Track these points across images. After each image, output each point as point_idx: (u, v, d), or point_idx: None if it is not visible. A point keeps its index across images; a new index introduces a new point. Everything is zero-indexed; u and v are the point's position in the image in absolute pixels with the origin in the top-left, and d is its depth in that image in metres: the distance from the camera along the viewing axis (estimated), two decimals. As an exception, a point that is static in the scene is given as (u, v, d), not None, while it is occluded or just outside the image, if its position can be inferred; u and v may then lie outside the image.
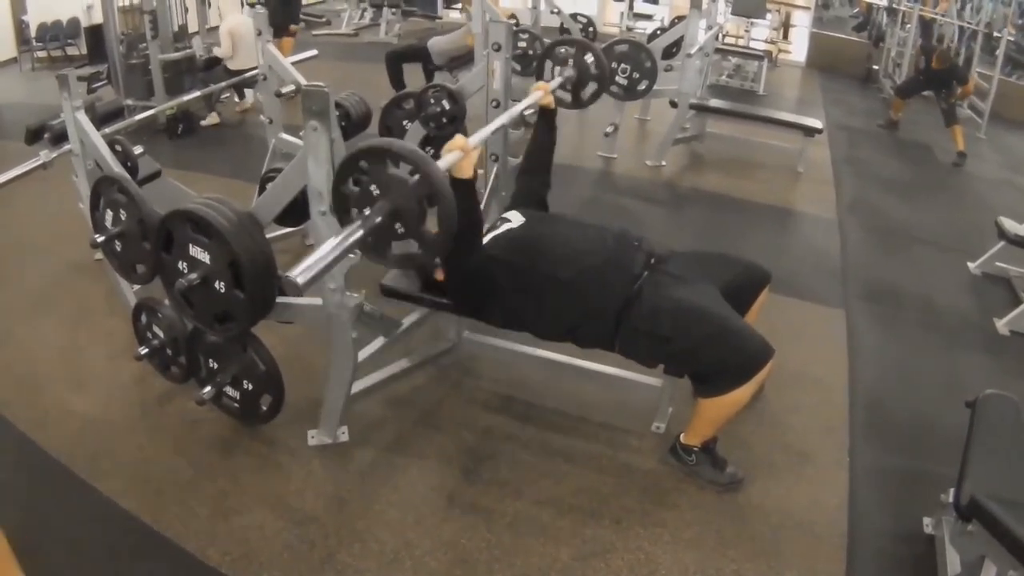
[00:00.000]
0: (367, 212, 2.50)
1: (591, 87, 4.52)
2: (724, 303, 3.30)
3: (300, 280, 2.25)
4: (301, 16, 11.46)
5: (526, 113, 3.93)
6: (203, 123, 8.82)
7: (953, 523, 2.87)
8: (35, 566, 2.98)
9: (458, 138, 2.93)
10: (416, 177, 2.43)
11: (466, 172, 2.97)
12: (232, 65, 8.59)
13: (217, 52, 8.75)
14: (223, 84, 7.83)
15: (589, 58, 4.46)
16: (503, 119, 3.59)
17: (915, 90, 10.40)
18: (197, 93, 7.02)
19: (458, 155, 2.89)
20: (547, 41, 7.75)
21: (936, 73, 9.80)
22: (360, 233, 2.44)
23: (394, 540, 3.12)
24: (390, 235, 2.53)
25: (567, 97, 4.47)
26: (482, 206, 4.29)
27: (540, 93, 3.92)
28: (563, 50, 4.51)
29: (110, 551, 3.08)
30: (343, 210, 2.62)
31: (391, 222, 2.49)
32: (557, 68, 4.50)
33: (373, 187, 2.50)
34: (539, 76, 4.54)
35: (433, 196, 2.45)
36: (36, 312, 4.78)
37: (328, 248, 2.36)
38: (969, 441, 3.03)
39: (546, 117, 4.02)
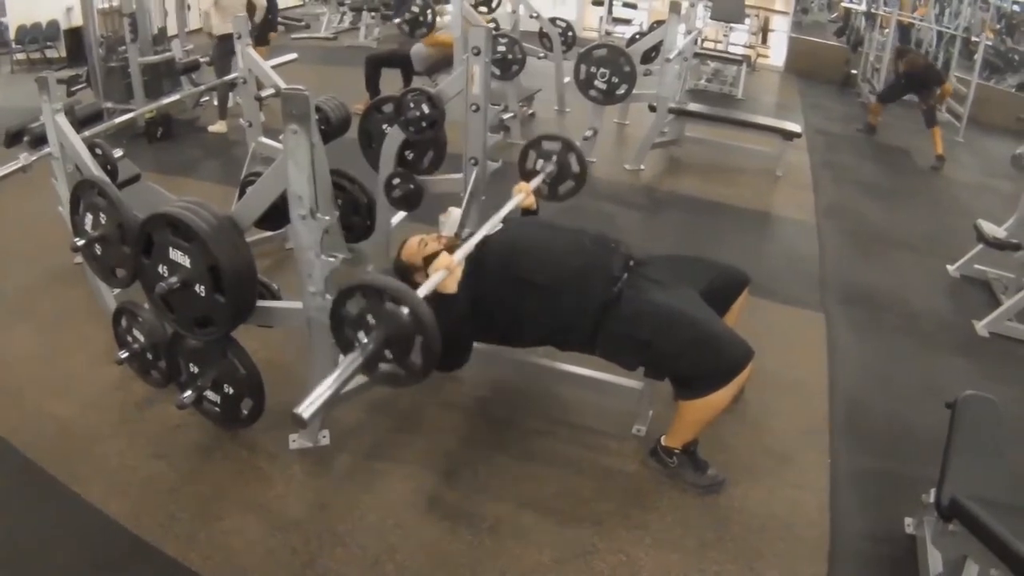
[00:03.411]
0: (364, 340, 2.61)
1: (568, 184, 4.53)
2: (704, 306, 3.32)
3: (305, 415, 2.34)
4: (280, 20, 11.42)
5: (503, 116, 3.93)
6: (211, 128, 8.81)
7: (935, 523, 2.88)
8: (14, 572, 2.97)
9: (443, 257, 3.08)
10: (407, 313, 2.53)
11: (451, 288, 3.09)
12: (217, 31, 8.54)
13: (214, 30, 8.69)
14: (203, 87, 7.82)
15: (571, 156, 4.46)
16: (485, 230, 3.57)
17: (897, 95, 10.47)
18: (176, 96, 7.01)
19: (444, 275, 3.03)
20: (527, 46, 7.82)
21: (912, 76, 9.87)
22: (359, 363, 2.57)
23: (376, 544, 3.11)
24: (380, 359, 2.64)
25: (544, 190, 4.47)
26: (461, 209, 4.30)
27: (522, 195, 3.99)
28: (547, 145, 4.50)
29: (90, 556, 3.05)
30: (339, 330, 2.74)
31: (383, 348, 2.61)
32: (540, 162, 4.49)
33: (369, 316, 2.60)
34: (522, 172, 4.52)
35: (421, 335, 2.55)
36: (15, 316, 4.75)
37: (330, 381, 2.46)
38: (950, 442, 3.05)
39: (530, 216, 4.07)
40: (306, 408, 2.33)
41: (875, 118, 10.64)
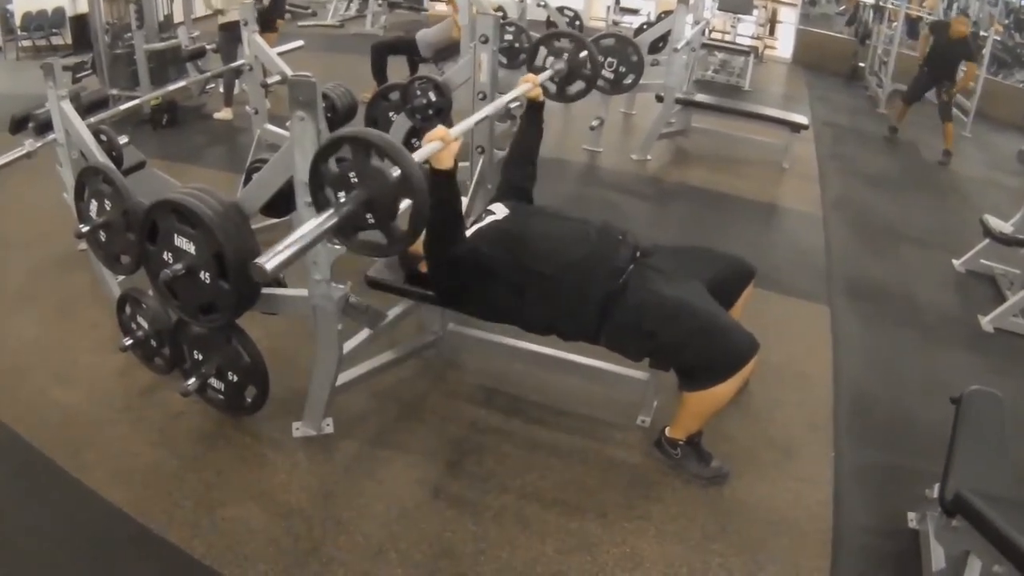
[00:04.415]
0: (342, 199, 2.50)
1: (578, 85, 4.48)
2: (710, 298, 3.31)
3: (269, 267, 2.23)
4: (287, 7, 11.41)
5: (512, 106, 3.92)
6: (216, 115, 8.84)
7: (938, 518, 2.88)
8: (17, 558, 2.97)
9: (439, 128, 2.90)
10: (396, 174, 2.42)
11: (445, 163, 2.94)
12: (223, 18, 8.52)
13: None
14: (209, 74, 7.81)
15: (583, 55, 4.42)
16: (488, 110, 3.56)
17: (922, 89, 10.11)
18: (182, 83, 7.00)
19: (438, 145, 2.85)
20: (534, 35, 7.80)
21: (950, 49, 9.60)
22: (334, 221, 2.43)
23: (379, 533, 3.11)
24: (360, 223, 2.54)
25: (552, 88, 4.42)
26: (468, 198, 4.28)
27: (528, 85, 3.87)
28: (559, 42, 4.45)
29: (93, 543, 3.06)
30: (318, 188, 2.61)
31: (364, 211, 2.49)
32: (550, 59, 4.44)
33: (352, 174, 2.49)
34: (530, 65, 4.49)
35: (410, 196, 2.45)
36: (19, 302, 4.75)
37: (300, 234, 2.35)
38: (954, 437, 3.04)
39: (533, 109, 3.98)
40: (269, 260, 2.23)
41: (899, 120, 10.45)
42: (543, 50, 4.48)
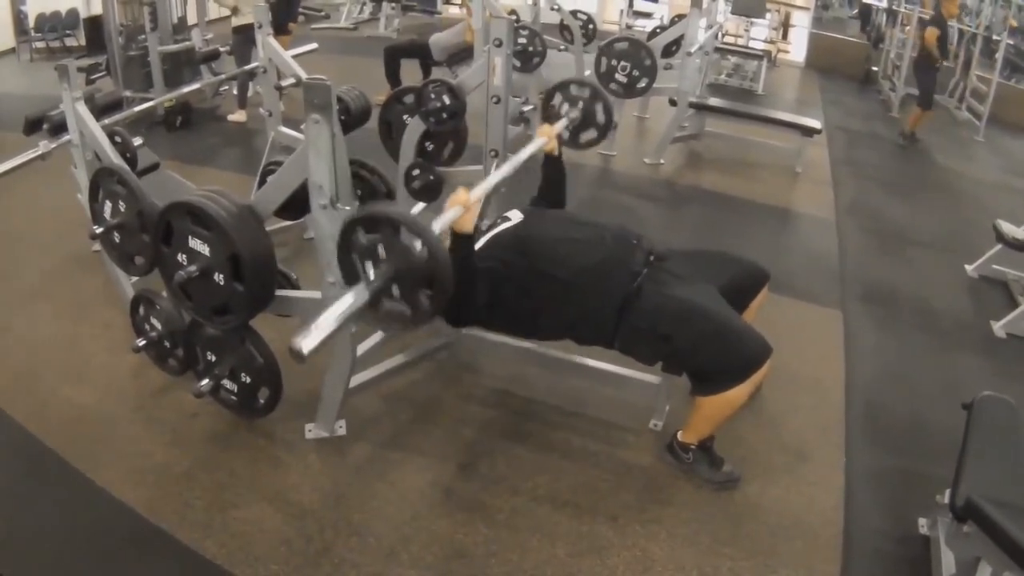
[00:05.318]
0: (371, 275, 2.52)
1: (590, 133, 4.46)
2: (723, 302, 3.31)
3: (304, 349, 2.25)
4: (301, 10, 11.44)
5: (524, 109, 3.91)
6: (230, 117, 8.88)
7: (949, 524, 2.87)
8: (30, 556, 2.99)
9: (460, 193, 2.93)
10: (423, 253, 2.43)
11: (467, 227, 2.96)
12: (236, 20, 8.55)
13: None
14: (223, 76, 7.84)
15: (598, 105, 4.39)
16: (505, 171, 3.51)
17: (932, 89, 10.03)
18: (196, 85, 7.03)
19: (459, 211, 2.89)
20: (548, 39, 7.81)
21: (947, 32, 9.72)
22: (365, 298, 2.46)
23: (391, 534, 3.11)
24: (386, 295, 2.55)
25: (565, 135, 4.37)
26: (481, 203, 4.28)
27: (544, 140, 3.87)
28: (575, 90, 4.43)
29: (106, 542, 3.07)
30: (347, 259, 2.63)
31: (390, 284, 2.51)
32: (565, 106, 4.42)
33: (380, 247, 2.50)
34: (544, 114, 4.47)
35: (434, 274, 2.45)
36: (33, 303, 4.77)
37: (334, 315, 2.36)
38: (965, 443, 3.03)
39: (551, 161, 3.98)
40: (306, 342, 2.24)
41: (914, 126, 10.32)
42: (559, 96, 4.45)
